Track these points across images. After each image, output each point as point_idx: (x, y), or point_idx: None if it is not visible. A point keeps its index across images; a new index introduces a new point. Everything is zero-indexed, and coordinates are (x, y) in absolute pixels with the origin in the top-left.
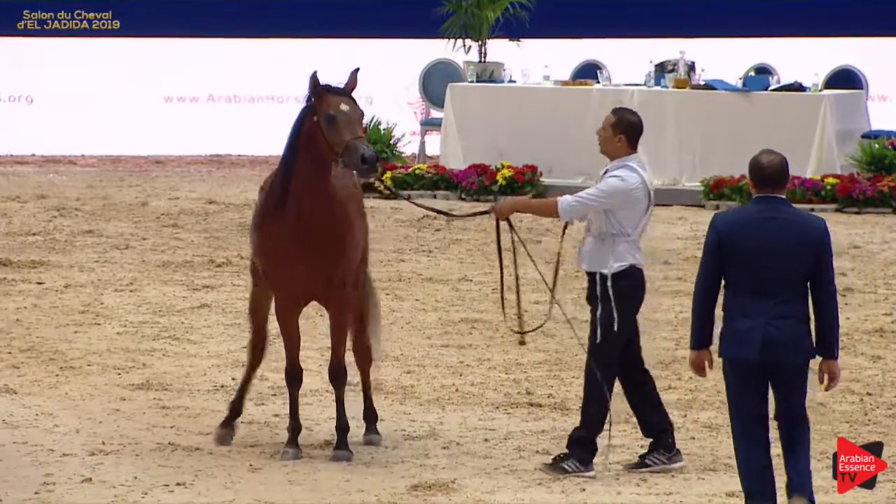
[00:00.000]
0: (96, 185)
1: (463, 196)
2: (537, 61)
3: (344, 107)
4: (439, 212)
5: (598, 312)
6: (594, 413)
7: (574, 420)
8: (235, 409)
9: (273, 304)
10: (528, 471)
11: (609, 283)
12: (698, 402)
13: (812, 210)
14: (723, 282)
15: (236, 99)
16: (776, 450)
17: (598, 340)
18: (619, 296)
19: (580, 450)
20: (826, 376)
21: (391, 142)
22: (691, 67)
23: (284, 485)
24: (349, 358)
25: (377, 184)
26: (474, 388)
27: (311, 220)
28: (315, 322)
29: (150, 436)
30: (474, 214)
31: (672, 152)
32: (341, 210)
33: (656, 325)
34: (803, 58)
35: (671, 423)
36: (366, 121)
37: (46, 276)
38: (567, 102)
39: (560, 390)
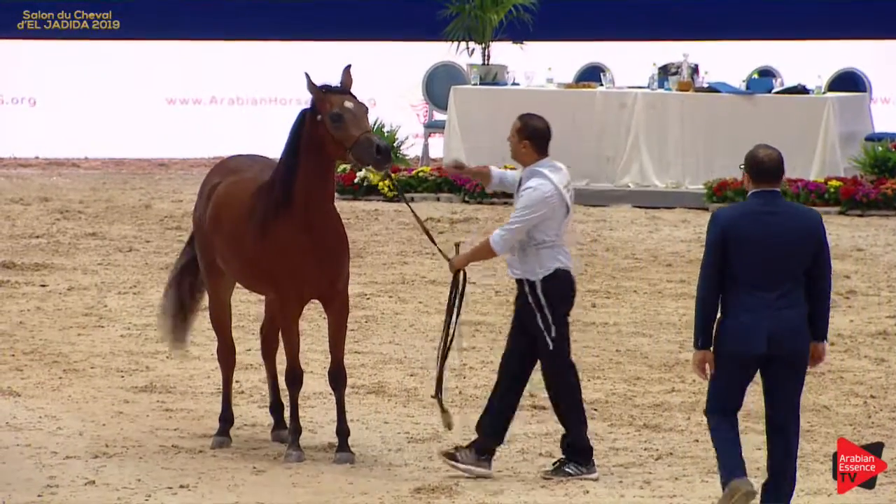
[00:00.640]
0: (99, 188)
1: (466, 199)
2: (541, 64)
3: (348, 104)
4: (423, 228)
5: (538, 320)
6: (576, 418)
7: None
8: (226, 418)
9: (264, 307)
10: (531, 473)
11: (539, 290)
12: (702, 404)
13: None
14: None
15: (239, 101)
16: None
17: (550, 348)
18: (549, 300)
19: (578, 454)
20: (813, 357)
21: (394, 144)
22: (695, 70)
23: (287, 487)
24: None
25: (385, 181)
26: (477, 390)
27: (319, 221)
28: (318, 324)
29: (154, 438)
30: (439, 250)
31: (675, 155)
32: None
33: (660, 328)
34: (807, 60)
35: (504, 436)
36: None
37: (50, 279)
38: (570, 105)
39: None
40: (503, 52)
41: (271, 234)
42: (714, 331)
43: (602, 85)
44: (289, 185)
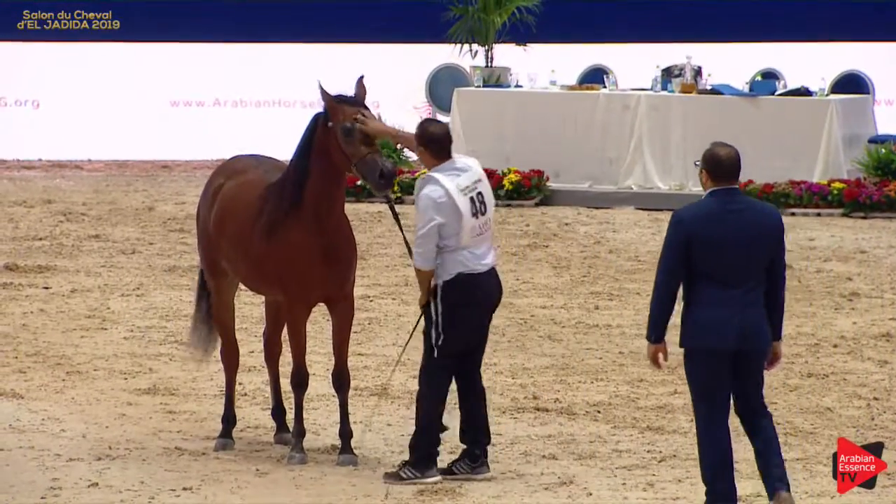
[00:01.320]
0: (103, 190)
1: None
2: (544, 66)
3: (360, 118)
4: (403, 236)
5: (430, 327)
6: (424, 423)
7: (581, 424)
8: (229, 419)
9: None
10: (534, 475)
11: (439, 297)
12: None
13: (819, 215)
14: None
15: (243, 103)
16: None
17: (433, 351)
18: (447, 308)
19: (417, 456)
20: (774, 356)
21: (398, 146)
22: (698, 72)
23: (291, 489)
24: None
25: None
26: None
27: (329, 224)
28: (321, 326)
29: (157, 440)
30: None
31: (678, 157)
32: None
33: None
34: (810, 62)
35: (489, 438)
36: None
37: (53, 281)
38: (574, 107)
39: (566, 395)
40: (506, 55)
41: (280, 236)
42: (682, 323)
43: (605, 87)
44: (299, 188)
